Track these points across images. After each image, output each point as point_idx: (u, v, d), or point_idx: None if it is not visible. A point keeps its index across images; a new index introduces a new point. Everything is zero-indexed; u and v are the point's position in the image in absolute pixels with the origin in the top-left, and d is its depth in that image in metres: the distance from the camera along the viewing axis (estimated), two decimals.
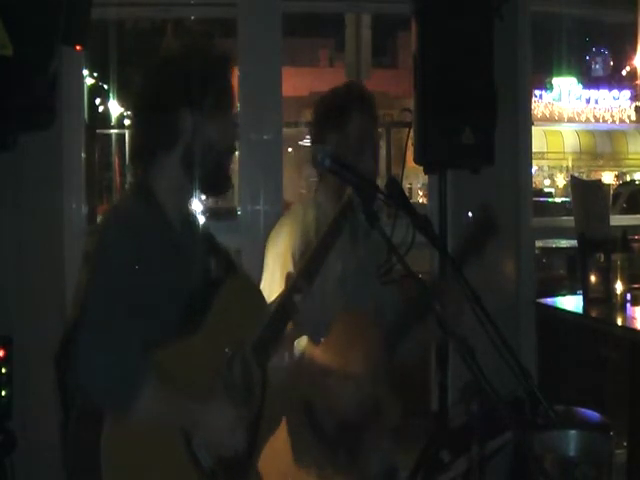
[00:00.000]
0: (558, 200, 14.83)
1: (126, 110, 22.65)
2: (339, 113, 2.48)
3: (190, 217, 2.07)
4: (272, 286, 2.29)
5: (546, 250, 7.31)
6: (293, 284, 2.05)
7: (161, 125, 1.92)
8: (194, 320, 1.85)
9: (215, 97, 1.96)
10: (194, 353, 1.84)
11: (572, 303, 3.69)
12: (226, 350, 1.91)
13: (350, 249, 2.46)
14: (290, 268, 2.33)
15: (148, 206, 1.91)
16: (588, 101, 20.53)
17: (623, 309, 3.42)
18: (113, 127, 17.95)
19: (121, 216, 1.91)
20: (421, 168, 3.42)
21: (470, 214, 2.70)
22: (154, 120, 1.93)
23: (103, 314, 1.73)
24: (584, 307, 3.54)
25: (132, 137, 2.01)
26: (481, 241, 2.51)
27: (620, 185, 15.97)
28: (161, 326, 1.80)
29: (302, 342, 2.33)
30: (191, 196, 2.04)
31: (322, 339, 2.33)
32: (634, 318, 3.33)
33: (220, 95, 1.98)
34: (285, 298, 2.04)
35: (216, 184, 2.02)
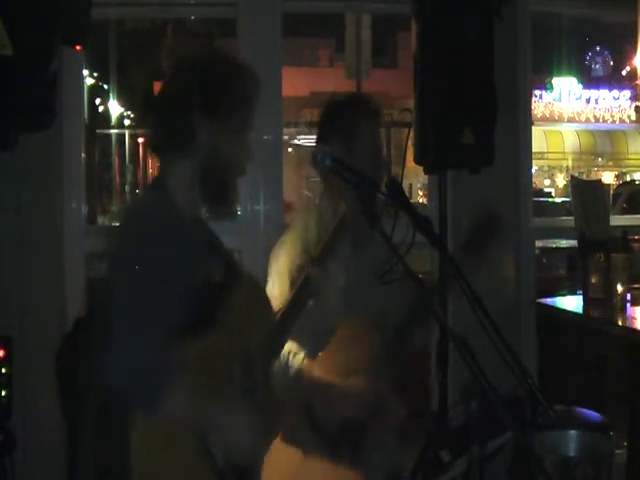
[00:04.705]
0: (558, 200, 14.83)
1: (126, 110, 22.66)
2: (346, 128, 2.50)
3: (200, 218, 2.09)
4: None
5: (546, 250, 7.31)
6: (293, 296, 2.09)
7: (176, 130, 1.93)
8: (204, 320, 1.86)
9: (237, 115, 1.97)
10: (211, 354, 1.85)
11: (572, 303, 3.68)
12: (239, 352, 1.92)
13: (351, 259, 2.46)
14: (287, 286, 2.37)
15: (164, 205, 1.92)
16: (588, 101, 20.53)
17: (623, 309, 3.41)
18: (113, 127, 17.98)
19: (140, 215, 1.92)
20: (421, 168, 3.42)
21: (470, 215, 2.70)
22: (170, 124, 1.94)
23: (130, 314, 1.73)
24: (584, 307, 3.54)
25: (150, 135, 2.02)
26: (482, 241, 2.51)
27: (620, 185, 15.98)
28: (176, 325, 1.80)
29: (299, 358, 2.34)
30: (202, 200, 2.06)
31: (319, 353, 2.35)
32: (634, 318, 3.33)
33: (242, 114, 1.99)
34: (287, 308, 2.06)
35: (222, 205, 2.04)
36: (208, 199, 2.01)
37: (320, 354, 2.37)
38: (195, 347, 1.82)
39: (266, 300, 2.10)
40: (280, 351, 2.14)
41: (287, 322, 2.08)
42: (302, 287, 2.12)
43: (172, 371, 1.73)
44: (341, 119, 2.54)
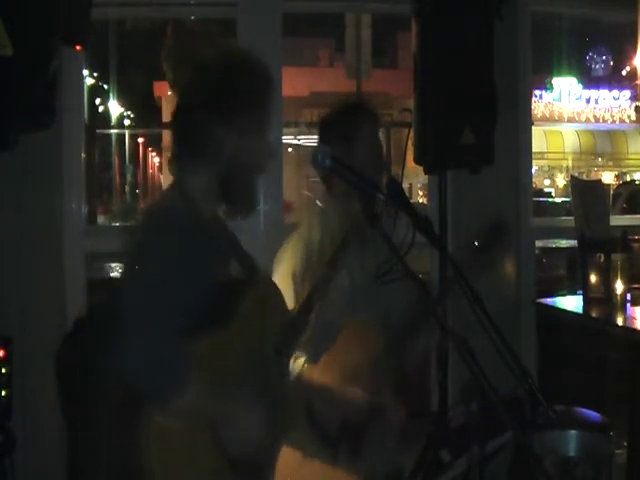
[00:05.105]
0: (558, 200, 14.84)
1: (126, 110, 22.65)
2: (345, 132, 2.52)
3: (220, 218, 2.10)
4: None
5: (546, 250, 7.31)
6: (307, 297, 2.11)
7: (197, 136, 1.95)
8: (220, 317, 1.88)
9: (254, 114, 1.98)
10: (224, 350, 1.86)
11: (572, 303, 3.69)
12: (253, 349, 1.94)
13: (356, 259, 2.47)
14: (290, 290, 2.40)
15: (185, 205, 1.93)
16: (588, 101, 20.55)
17: (623, 309, 3.42)
18: (113, 127, 18.01)
19: (160, 214, 1.93)
20: (421, 168, 3.42)
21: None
22: (191, 130, 1.95)
23: (148, 309, 1.74)
24: (584, 307, 3.54)
25: (172, 140, 2.02)
26: (492, 249, 2.50)
27: (620, 185, 15.98)
28: (191, 321, 1.81)
29: (299, 362, 2.34)
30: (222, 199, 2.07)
31: (321, 357, 2.35)
32: (634, 318, 3.33)
33: (260, 113, 2.00)
34: (302, 309, 2.09)
35: (243, 204, 2.05)
36: (229, 200, 2.02)
37: (322, 356, 2.37)
38: (210, 344, 1.83)
39: (281, 300, 2.11)
40: (294, 350, 2.15)
41: (301, 322, 2.09)
42: (315, 289, 2.14)
43: (187, 366, 1.74)
44: (340, 124, 2.56)
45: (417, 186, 20.03)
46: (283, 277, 2.45)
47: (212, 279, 1.90)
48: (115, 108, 20.95)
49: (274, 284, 2.15)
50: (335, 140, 2.50)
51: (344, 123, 2.55)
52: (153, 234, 1.87)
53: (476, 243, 2.46)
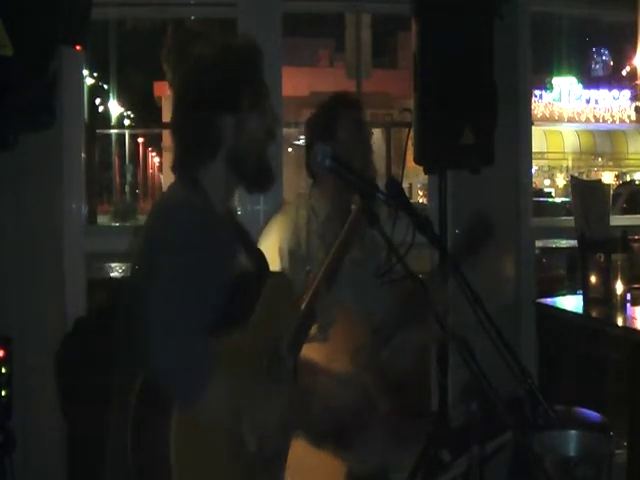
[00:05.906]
0: (558, 200, 14.86)
1: (126, 110, 22.62)
2: (326, 124, 2.57)
3: (232, 212, 2.10)
4: None
5: (546, 250, 7.31)
6: (315, 291, 2.11)
7: (205, 134, 1.94)
8: (238, 314, 1.88)
9: (253, 93, 1.98)
10: (240, 348, 1.86)
11: (572, 303, 3.69)
12: (268, 345, 1.94)
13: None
14: (277, 261, 2.42)
15: (200, 200, 1.93)
16: (588, 101, 20.57)
17: (623, 309, 3.42)
18: (113, 127, 18.01)
19: (178, 211, 1.91)
20: (421, 168, 3.42)
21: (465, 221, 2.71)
22: (198, 130, 1.95)
23: (172, 306, 1.74)
24: (584, 307, 3.54)
25: (176, 145, 2.01)
26: (477, 245, 2.51)
27: (620, 185, 15.99)
28: (212, 317, 1.82)
29: None
30: (234, 191, 2.08)
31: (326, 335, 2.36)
32: (634, 318, 3.33)
33: (257, 89, 2.00)
34: (309, 303, 2.09)
35: (261, 179, 2.04)
36: (245, 179, 2.02)
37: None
38: (227, 342, 1.83)
39: (293, 295, 2.11)
40: (304, 343, 2.15)
41: (309, 317, 2.10)
42: (321, 282, 2.14)
43: (211, 363, 1.75)
44: (319, 120, 2.61)
45: (417, 186, 20.06)
46: (269, 250, 2.43)
47: (229, 277, 1.91)
48: (115, 108, 20.95)
49: (286, 279, 2.15)
50: (319, 138, 2.51)
51: (323, 119, 2.60)
52: (172, 231, 1.84)
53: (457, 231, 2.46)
